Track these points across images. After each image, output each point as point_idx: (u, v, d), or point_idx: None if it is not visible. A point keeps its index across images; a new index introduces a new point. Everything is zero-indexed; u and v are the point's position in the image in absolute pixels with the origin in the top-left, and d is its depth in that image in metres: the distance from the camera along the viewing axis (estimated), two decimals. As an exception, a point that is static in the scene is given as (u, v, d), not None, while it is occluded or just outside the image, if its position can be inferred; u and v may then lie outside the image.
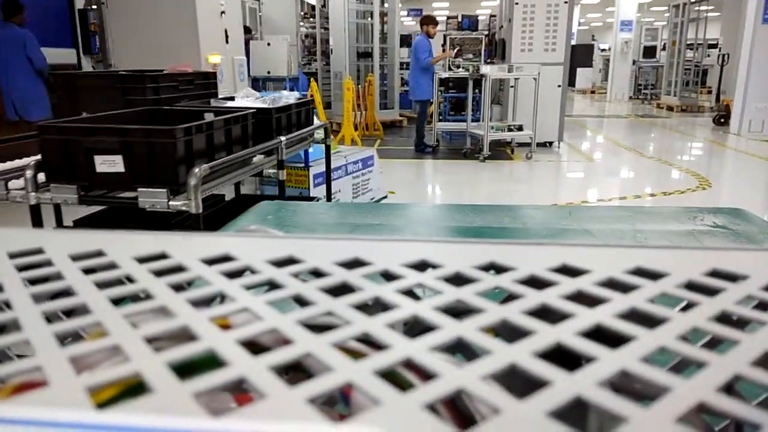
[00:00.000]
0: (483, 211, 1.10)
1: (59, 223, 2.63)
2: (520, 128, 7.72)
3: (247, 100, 2.86)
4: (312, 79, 8.81)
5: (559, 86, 8.14)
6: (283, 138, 2.60)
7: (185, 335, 0.25)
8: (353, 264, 0.33)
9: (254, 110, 2.48)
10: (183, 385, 0.21)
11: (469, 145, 7.89)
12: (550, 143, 8.40)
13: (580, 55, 18.34)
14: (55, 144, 1.85)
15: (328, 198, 3.66)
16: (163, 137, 1.80)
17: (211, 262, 0.33)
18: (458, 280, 0.32)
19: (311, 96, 8.26)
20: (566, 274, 0.31)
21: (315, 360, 0.22)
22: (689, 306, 0.27)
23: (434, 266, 0.33)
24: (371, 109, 10.00)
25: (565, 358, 0.24)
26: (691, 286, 0.29)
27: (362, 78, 10.61)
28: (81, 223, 2.54)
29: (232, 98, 2.97)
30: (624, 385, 0.23)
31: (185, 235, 0.38)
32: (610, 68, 17.21)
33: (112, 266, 0.33)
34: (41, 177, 1.89)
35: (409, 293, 0.31)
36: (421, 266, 0.33)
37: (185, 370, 0.23)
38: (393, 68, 11.13)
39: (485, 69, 7.85)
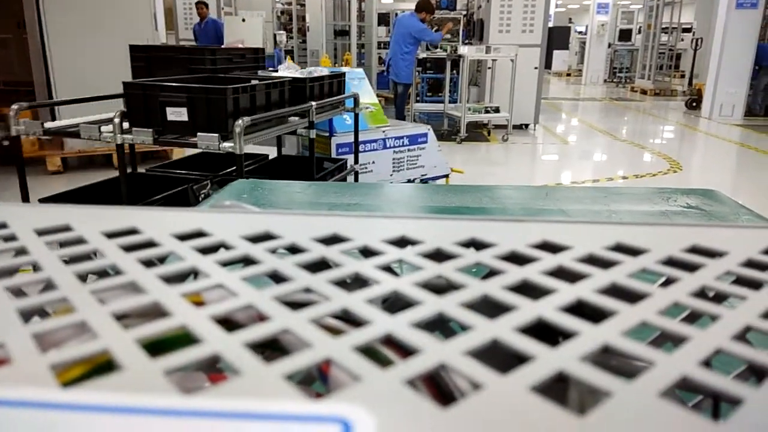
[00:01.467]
0: (461, 191, 1.10)
1: (134, 169, 3.27)
2: (496, 110, 7.74)
3: (288, 71, 3.49)
4: (288, 57, 8.67)
5: (536, 68, 8.16)
6: (314, 103, 3.05)
7: (156, 312, 0.24)
8: (331, 240, 0.32)
9: (290, 79, 3.04)
10: (154, 362, 0.20)
11: (447, 126, 7.89)
12: (526, 125, 8.45)
13: (557, 38, 18.37)
14: (138, 98, 2.47)
15: (356, 161, 3.88)
16: (218, 95, 2.39)
17: (183, 237, 0.32)
18: (438, 256, 0.31)
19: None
20: (547, 250, 0.31)
21: (293, 336, 0.22)
22: (669, 281, 0.27)
23: (414, 242, 0.33)
24: (348, 88, 9.88)
25: (545, 335, 0.24)
26: (671, 262, 0.29)
27: (339, 57, 10.48)
28: (153, 170, 3.25)
29: (276, 71, 3.60)
30: (603, 362, 0.23)
31: (156, 210, 0.37)
32: (586, 51, 17.30)
33: (79, 241, 0.31)
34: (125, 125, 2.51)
35: (389, 270, 0.31)
36: (401, 242, 0.32)
37: (157, 348, 0.22)
38: (371, 47, 11.02)
39: (463, 50, 7.82)
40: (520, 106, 7.82)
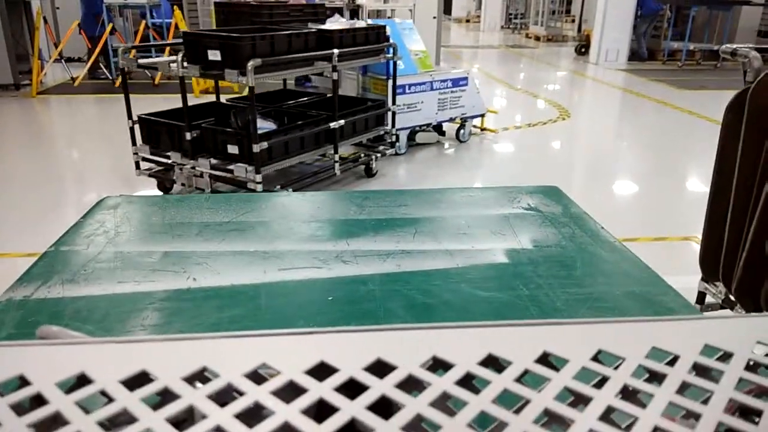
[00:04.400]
0: (329, 199, 1.17)
1: (217, 98, 4.60)
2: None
3: (334, 24, 4.41)
4: (176, 6, 8.16)
5: (435, 18, 8.21)
6: (336, 50, 3.86)
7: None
8: (140, 380, 0.38)
9: (315, 30, 3.93)
10: None
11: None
12: (427, 76, 8.54)
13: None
14: (191, 43, 3.51)
15: (393, 102, 4.73)
16: (237, 41, 3.32)
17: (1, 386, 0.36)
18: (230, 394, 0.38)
19: (176, 24, 7.70)
20: (377, 373, 0.38)
21: None
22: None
23: (211, 376, 0.39)
24: (245, 39, 9.50)
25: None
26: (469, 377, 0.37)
27: (233, 5, 9.97)
28: (230, 101, 4.49)
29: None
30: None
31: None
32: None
33: None
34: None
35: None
36: (202, 378, 0.39)
37: None
38: (266, -6, 10.56)
39: (361, -1, 7.70)
40: (420, 57, 7.87)
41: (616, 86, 8.93)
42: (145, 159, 4.01)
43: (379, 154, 4.58)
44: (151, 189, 4.23)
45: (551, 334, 0.43)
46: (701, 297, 2.19)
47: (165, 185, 4.09)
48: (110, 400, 0.36)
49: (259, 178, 3.47)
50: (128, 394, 0.36)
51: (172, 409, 0.35)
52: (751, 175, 1.85)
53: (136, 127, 3.99)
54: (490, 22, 17.04)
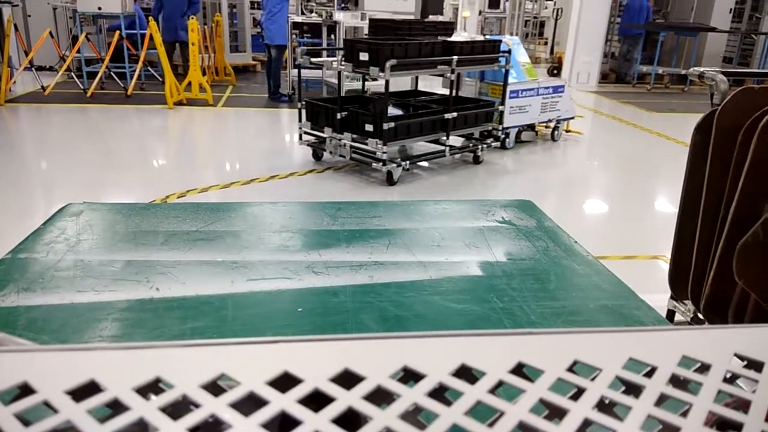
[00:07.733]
0: (301, 209, 1.14)
1: (364, 91, 6.14)
2: (374, 78, 7.79)
3: (458, 37, 5.68)
4: (151, 17, 8.08)
5: (411, 36, 8.30)
6: (455, 57, 4.91)
7: None
8: (88, 391, 0.35)
9: (440, 41, 5.07)
10: None
11: (326, 94, 7.83)
12: (403, 93, 8.59)
13: (432, 3, 18.65)
14: (347, 47, 4.77)
15: (502, 102, 5.74)
16: (380, 46, 4.42)
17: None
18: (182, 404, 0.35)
19: (150, 35, 7.62)
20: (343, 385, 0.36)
21: None
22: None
23: (165, 387, 0.36)
24: (220, 52, 9.45)
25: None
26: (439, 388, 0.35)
27: (209, 17, 9.94)
28: (373, 94, 5.72)
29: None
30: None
31: None
32: (458, 17, 17.75)
33: None
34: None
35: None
36: (155, 387, 0.36)
37: None
38: (243, 7, 10.56)
39: (338, 15, 7.74)
40: (396, 74, 7.94)
41: (588, 107, 9.11)
42: (306, 132, 5.30)
43: (485, 145, 5.57)
44: (115, 198, 4.23)
45: (526, 344, 0.41)
46: (670, 315, 2.21)
47: (317, 154, 5.43)
48: (54, 411, 0.33)
49: (385, 149, 4.55)
50: (74, 406, 0.33)
51: (121, 421, 0.32)
52: (719, 194, 1.88)
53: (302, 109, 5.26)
54: (465, 41, 17.25)
